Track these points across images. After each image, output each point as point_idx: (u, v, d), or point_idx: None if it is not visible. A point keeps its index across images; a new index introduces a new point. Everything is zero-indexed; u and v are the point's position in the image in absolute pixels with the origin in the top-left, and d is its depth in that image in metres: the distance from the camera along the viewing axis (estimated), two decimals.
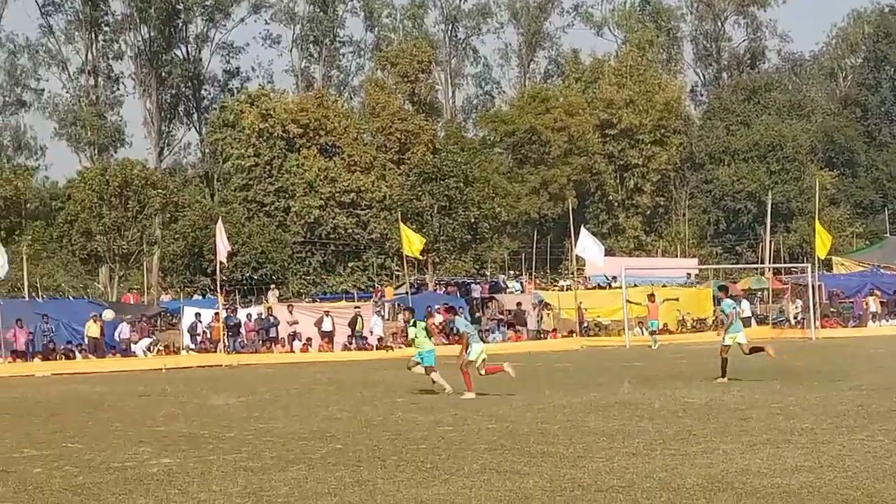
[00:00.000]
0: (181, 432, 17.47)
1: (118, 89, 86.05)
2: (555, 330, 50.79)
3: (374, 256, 73.51)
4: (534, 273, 71.30)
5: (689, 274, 69.72)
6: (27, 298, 51.88)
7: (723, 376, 24.04)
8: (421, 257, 58.57)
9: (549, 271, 77.15)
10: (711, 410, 17.91)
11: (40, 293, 57.30)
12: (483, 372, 22.69)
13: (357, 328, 46.38)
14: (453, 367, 23.24)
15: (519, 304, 52.47)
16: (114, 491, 11.94)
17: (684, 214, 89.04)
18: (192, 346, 44.34)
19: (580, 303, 52.36)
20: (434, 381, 23.08)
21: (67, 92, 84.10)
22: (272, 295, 57.21)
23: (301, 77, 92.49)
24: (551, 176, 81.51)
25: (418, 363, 23.55)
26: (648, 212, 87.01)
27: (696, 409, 18.12)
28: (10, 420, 20.49)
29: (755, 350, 25.06)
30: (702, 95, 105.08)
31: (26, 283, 52.98)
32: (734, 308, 25.31)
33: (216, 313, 44.65)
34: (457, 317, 29.68)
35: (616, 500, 10.26)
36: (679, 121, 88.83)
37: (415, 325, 24.28)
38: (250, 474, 12.96)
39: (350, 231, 72.57)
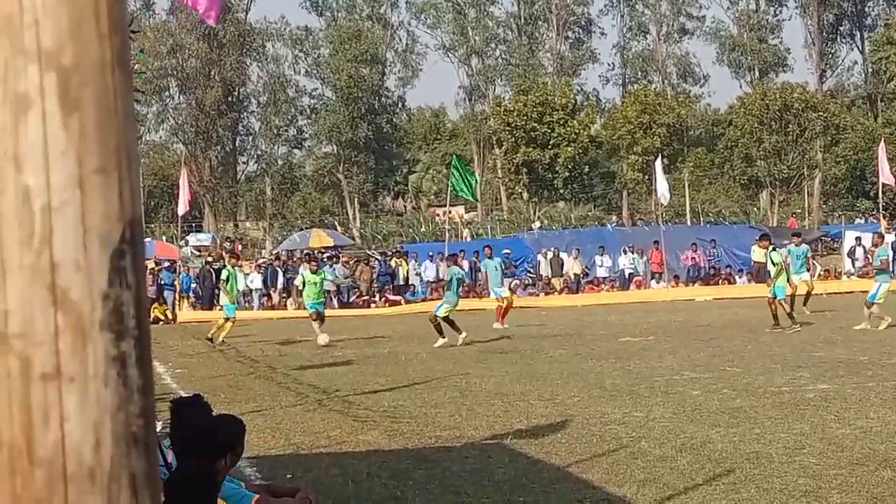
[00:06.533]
0: (839, 358, 17.14)
1: (780, 12, 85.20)
2: None
3: None
4: None
5: None
6: (689, 224, 53.37)
7: None
8: None
9: None
10: None
11: (702, 218, 58.71)
12: None
13: None
14: None
15: None
16: (769, 415, 11.98)
17: None
18: (853, 271, 43.19)
19: None
20: None
21: (730, 17, 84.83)
22: None
23: None
24: None
25: None
26: None
27: None
28: (673, 344, 21.22)
29: None
30: None
31: (688, 209, 54.51)
32: None
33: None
34: None
35: None
36: None
37: None
38: None
39: None
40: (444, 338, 22.74)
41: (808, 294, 27.94)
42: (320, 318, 24.86)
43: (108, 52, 1.22)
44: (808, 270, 26.74)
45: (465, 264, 43.46)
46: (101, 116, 1.21)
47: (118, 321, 1.20)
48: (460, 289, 25.24)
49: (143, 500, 1.22)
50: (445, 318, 23.05)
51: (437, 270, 40.92)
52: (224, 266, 30.56)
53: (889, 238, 43.20)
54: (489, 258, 29.76)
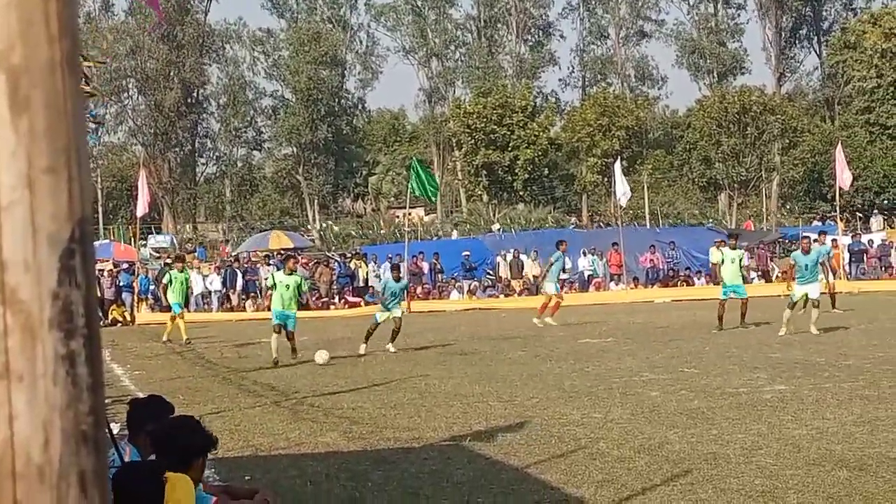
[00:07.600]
0: (796, 359, 17.29)
1: (739, 16, 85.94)
2: None
3: None
4: None
5: None
6: (648, 227, 53.67)
7: None
8: None
9: None
10: None
11: (660, 220, 59.03)
12: None
13: None
14: None
15: None
16: (727, 416, 12.06)
17: None
18: None
19: None
20: None
21: (690, 20, 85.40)
22: (875, 222, 54.75)
23: None
24: None
25: None
26: None
27: None
28: (631, 345, 21.33)
29: None
30: None
31: (647, 211, 54.80)
32: None
33: (833, 240, 43.44)
34: None
35: None
36: None
37: None
38: (866, 403, 12.56)
39: None
40: (365, 344, 22.18)
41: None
42: (283, 332, 21.14)
43: (58, 53, 1.21)
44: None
45: (426, 266, 43.53)
46: (50, 117, 1.22)
47: (67, 320, 1.21)
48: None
49: (92, 498, 1.23)
50: (375, 326, 22.59)
51: None
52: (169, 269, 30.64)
53: (846, 240, 43.66)
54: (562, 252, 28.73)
